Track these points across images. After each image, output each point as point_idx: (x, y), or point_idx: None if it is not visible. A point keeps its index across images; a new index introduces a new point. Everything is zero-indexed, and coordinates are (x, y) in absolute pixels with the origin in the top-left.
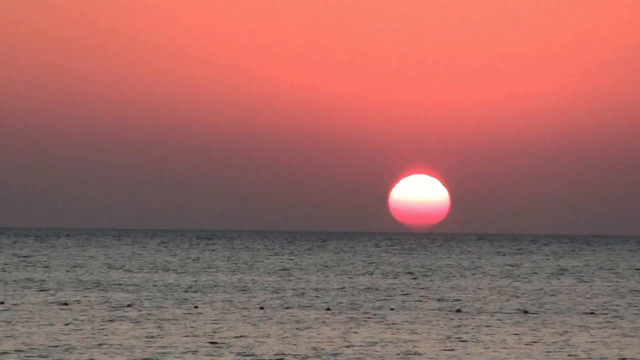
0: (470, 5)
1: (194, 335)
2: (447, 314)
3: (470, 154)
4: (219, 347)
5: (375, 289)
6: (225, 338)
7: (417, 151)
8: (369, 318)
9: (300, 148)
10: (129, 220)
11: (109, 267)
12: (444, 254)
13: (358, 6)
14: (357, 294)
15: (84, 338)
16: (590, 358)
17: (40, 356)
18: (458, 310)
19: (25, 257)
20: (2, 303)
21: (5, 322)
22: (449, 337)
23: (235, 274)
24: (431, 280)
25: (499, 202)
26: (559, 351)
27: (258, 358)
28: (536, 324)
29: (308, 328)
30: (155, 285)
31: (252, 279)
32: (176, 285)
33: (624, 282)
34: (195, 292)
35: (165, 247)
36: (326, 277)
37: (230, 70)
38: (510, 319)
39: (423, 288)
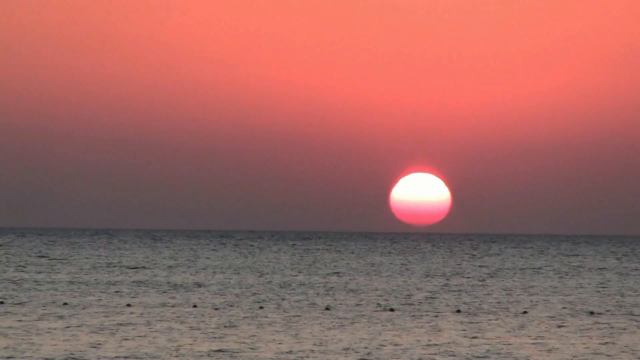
0: (470, 5)
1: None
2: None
3: (471, 152)
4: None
5: None
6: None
7: (418, 150)
8: None
9: (300, 147)
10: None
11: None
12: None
13: (358, 6)
14: None
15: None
16: None
17: None
18: (458, 311)
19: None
20: (0, 302)
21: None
22: None
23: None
24: None
25: (500, 202)
26: None
27: None
28: None
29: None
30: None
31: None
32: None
33: None
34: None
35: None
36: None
37: (229, 69)
38: None
39: None
